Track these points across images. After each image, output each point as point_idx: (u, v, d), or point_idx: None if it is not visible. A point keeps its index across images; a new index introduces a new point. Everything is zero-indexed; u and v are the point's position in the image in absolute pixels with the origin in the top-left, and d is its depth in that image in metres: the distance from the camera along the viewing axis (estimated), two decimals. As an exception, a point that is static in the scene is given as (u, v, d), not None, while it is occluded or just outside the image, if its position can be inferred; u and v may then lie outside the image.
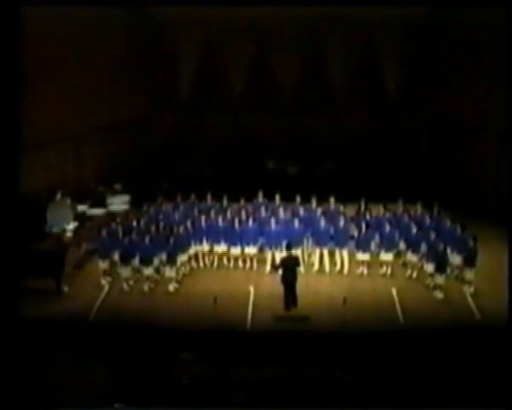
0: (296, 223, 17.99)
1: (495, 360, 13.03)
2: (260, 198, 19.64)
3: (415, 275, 17.69)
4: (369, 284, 17.40)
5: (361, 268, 17.96)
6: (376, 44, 26.04)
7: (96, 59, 22.05)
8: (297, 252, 16.97)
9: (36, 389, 12.26)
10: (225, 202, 19.62)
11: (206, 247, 18.37)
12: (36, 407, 11.75)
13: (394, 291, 16.73)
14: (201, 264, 18.61)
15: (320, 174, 26.13)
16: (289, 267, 15.78)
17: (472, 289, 16.60)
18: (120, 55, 23.52)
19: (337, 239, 17.87)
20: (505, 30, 18.66)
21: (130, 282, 17.17)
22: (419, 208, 18.86)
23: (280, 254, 17.23)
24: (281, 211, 18.89)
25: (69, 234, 19.14)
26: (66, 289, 16.96)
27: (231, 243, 18.10)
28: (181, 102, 27.18)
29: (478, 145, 22.92)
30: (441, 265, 16.59)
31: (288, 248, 16.19)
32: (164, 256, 17.18)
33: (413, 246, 17.58)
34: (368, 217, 18.46)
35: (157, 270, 17.44)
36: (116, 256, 17.33)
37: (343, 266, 18.03)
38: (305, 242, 18.24)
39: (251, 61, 26.46)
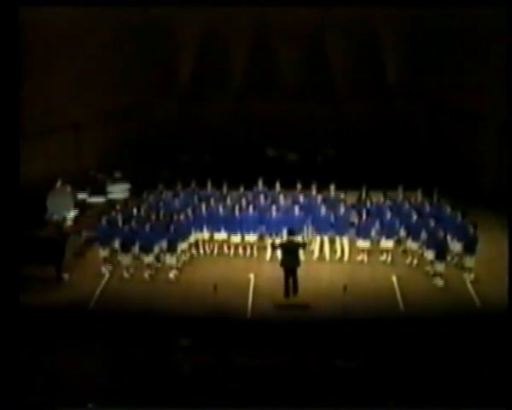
0: (296, 210, 17.98)
1: (495, 347, 13.07)
2: (260, 186, 19.60)
3: (415, 262, 17.70)
4: (370, 272, 17.40)
5: (361, 256, 17.95)
6: (376, 31, 25.88)
7: (96, 46, 21.93)
8: (297, 239, 16.93)
9: (36, 379, 12.28)
10: (225, 190, 19.57)
11: (206, 234, 18.37)
12: (36, 401, 11.75)
13: (394, 279, 16.75)
14: (202, 252, 18.60)
15: (320, 161, 26.06)
16: (291, 251, 15.67)
17: (472, 277, 16.61)
18: (120, 42, 23.37)
19: (337, 226, 17.86)
20: (505, 30, 18.61)
21: (131, 269, 17.18)
22: (419, 196, 18.81)
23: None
24: (281, 198, 18.85)
25: (69, 222, 19.12)
26: (66, 276, 16.99)
27: (231, 230, 18.11)
28: (181, 89, 27.06)
29: (478, 132, 22.83)
30: (441, 252, 16.59)
31: (291, 233, 16.16)
32: (164, 244, 17.20)
33: (413, 233, 17.57)
34: (368, 204, 18.45)
35: (157, 258, 17.45)
36: (116, 244, 17.33)
37: (343, 254, 18.02)
38: (305, 229, 18.23)
39: (251, 48, 26.32)
